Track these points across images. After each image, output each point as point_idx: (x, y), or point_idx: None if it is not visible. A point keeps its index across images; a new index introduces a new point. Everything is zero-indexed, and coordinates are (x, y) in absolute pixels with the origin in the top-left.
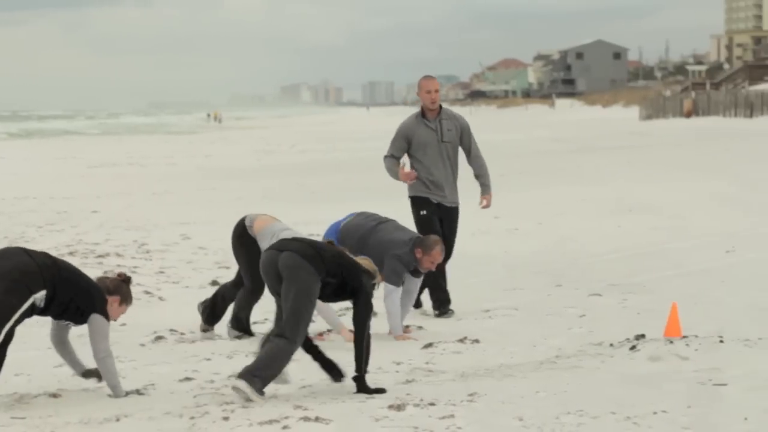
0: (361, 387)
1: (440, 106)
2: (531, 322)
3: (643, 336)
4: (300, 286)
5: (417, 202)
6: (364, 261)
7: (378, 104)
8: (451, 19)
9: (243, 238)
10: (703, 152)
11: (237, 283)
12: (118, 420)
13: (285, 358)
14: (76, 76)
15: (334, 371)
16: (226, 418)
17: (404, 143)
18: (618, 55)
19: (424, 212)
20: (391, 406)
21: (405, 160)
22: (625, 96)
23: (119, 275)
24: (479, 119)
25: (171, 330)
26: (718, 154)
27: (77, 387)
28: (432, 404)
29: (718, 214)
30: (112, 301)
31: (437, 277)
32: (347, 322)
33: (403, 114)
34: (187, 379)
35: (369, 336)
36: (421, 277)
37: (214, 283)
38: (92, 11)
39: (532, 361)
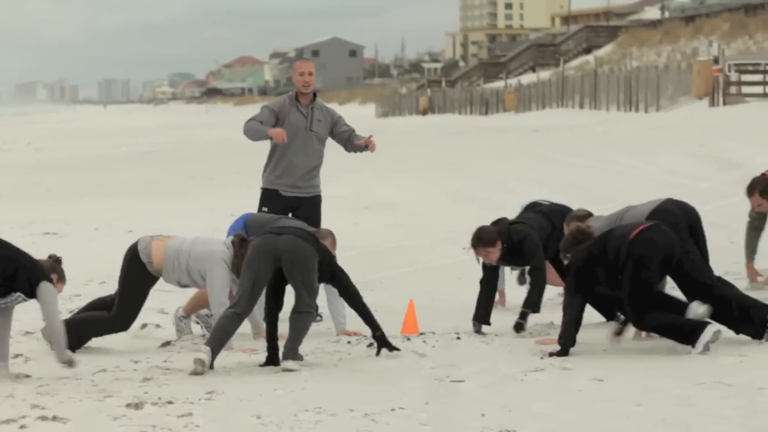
0: (384, 343)
1: (314, 95)
2: None
3: None
4: (305, 263)
5: (264, 196)
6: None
7: (115, 102)
8: (187, 17)
9: (135, 272)
10: (439, 149)
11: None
12: None
13: (308, 327)
14: None
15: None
16: None
17: (272, 118)
18: (354, 52)
19: (266, 209)
20: (129, 405)
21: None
22: (362, 93)
23: (51, 256)
24: (215, 117)
25: None
26: (455, 151)
27: None
28: (170, 402)
29: (454, 211)
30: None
31: None
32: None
33: (140, 111)
34: None
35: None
36: None
37: None
38: None
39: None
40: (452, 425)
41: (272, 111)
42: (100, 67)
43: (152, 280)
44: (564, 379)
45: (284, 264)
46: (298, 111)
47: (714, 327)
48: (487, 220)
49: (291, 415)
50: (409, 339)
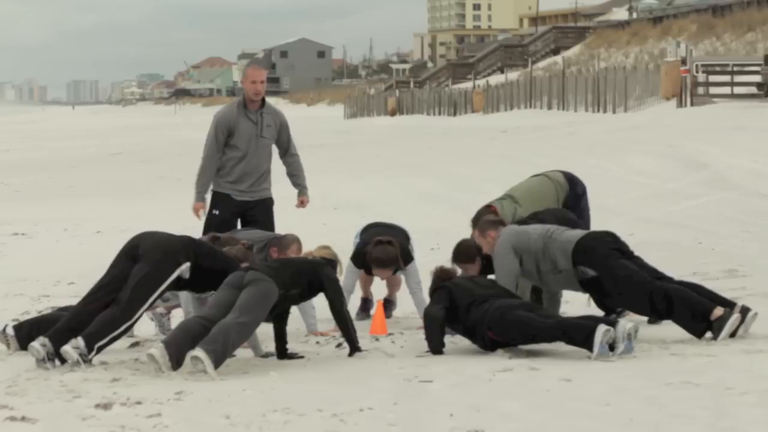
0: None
1: (263, 99)
2: None
3: None
4: (261, 292)
5: (216, 199)
6: (323, 251)
7: (83, 103)
8: (155, 18)
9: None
10: (408, 150)
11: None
12: None
13: (235, 339)
14: None
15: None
16: None
17: (223, 137)
18: (322, 53)
19: (216, 212)
20: (98, 405)
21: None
22: (330, 94)
23: (243, 244)
24: (184, 118)
25: None
26: (423, 151)
27: None
28: (139, 403)
29: (423, 211)
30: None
31: None
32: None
33: (109, 112)
34: None
35: (348, 314)
36: None
37: None
38: None
39: (239, 359)
40: (421, 425)
41: (226, 128)
42: (68, 68)
43: None
44: (532, 379)
45: (245, 289)
46: (247, 118)
47: (603, 327)
48: (454, 222)
49: (260, 416)
50: (377, 339)
